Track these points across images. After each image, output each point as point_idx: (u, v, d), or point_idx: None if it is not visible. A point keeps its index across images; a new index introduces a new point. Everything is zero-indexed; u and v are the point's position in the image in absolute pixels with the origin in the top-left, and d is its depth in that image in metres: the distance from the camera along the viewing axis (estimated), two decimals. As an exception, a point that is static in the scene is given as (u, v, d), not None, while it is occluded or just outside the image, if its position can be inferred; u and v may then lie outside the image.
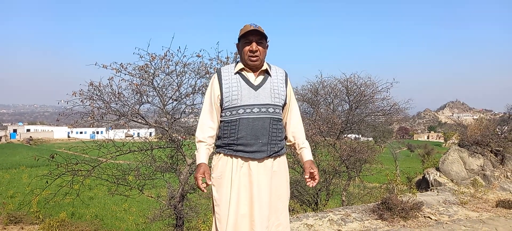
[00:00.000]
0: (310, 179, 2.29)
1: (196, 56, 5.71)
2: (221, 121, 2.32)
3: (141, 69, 5.63)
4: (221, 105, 2.29)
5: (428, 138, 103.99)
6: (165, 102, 5.90)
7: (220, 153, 2.31)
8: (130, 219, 15.87)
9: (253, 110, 2.23)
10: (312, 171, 2.27)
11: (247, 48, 2.23)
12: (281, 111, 2.36)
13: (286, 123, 2.45)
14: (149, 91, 5.86)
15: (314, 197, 9.09)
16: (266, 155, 2.24)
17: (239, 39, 2.29)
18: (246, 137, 2.21)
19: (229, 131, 2.25)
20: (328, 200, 9.69)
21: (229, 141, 2.25)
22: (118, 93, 5.64)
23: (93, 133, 49.59)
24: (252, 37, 2.22)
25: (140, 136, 7.30)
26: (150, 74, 5.73)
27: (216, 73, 2.37)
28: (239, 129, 2.22)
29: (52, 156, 5.44)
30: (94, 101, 5.46)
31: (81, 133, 61.09)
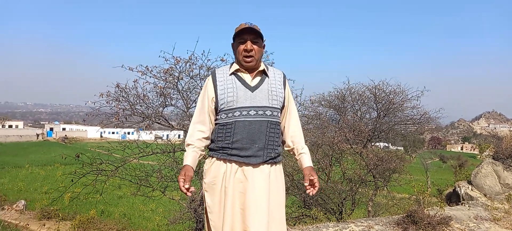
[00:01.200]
0: (310, 187, 2.15)
1: (220, 60, 5.74)
2: (216, 124, 2.19)
3: (166, 72, 5.72)
4: (216, 108, 2.17)
5: (462, 149, 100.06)
6: (189, 106, 5.96)
7: (213, 157, 2.18)
8: (156, 219, 16.16)
9: (250, 112, 2.11)
10: (312, 178, 2.13)
11: (241, 47, 2.12)
12: (279, 114, 2.22)
13: (284, 127, 2.31)
14: (173, 94, 5.95)
15: (339, 206, 8.92)
16: (261, 161, 2.10)
17: (233, 39, 2.17)
18: (241, 140, 2.08)
19: (224, 134, 2.12)
20: (353, 210, 9.48)
21: (224, 144, 2.11)
22: (143, 95, 5.76)
23: (124, 133, 50.91)
24: (247, 35, 2.11)
25: (169, 138, 7.44)
26: (174, 77, 5.82)
27: (210, 75, 2.26)
28: (234, 132, 2.09)
29: (78, 155, 5.61)
30: (120, 103, 5.60)
31: (112, 133, 62.75)
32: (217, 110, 2.18)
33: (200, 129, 2.18)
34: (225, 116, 2.13)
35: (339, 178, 9.70)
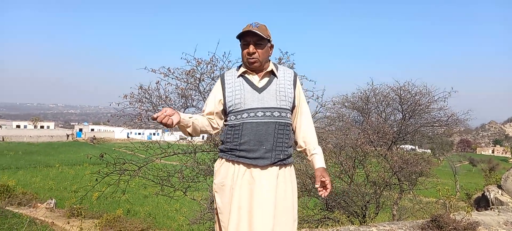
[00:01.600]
0: (321, 188, 2.11)
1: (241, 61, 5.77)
2: (225, 125, 2.21)
3: (188, 74, 5.80)
4: (224, 110, 2.19)
5: (493, 152, 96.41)
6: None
7: (222, 158, 2.19)
8: (180, 219, 16.37)
9: (257, 114, 2.09)
10: (323, 179, 2.09)
11: (245, 50, 2.12)
12: (289, 115, 2.19)
13: (295, 127, 2.27)
14: (194, 96, 6.01)
15: (362, 209, 8.77)
16: (269, 162, 2.08)
17: (239, 40, 2.16)
18: (249, 142, 2.07)
19: (232, 135, 2.12)
20: (377, 213, 9.29)
21: (232, 146, 2.11)
22: (165, 97, 5.85)
23: (150, 134, 51.87)
24: (250, 38, 2.07)
25: (193, 139, 7.53)
26: (196, 78, 5.88)
27: (219, 78, 2.27)
28: (242, 133, 2.08)
29: (101, 155, 5.76)
30: (143, 104, 5.71)
31: (138, 134, 64.08)
32: (226, 113, 2.19)
33: (202, 116, 2.20)
34: (234, 117, 2.14)
35: (363, 180, 9.54)
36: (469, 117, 10.78)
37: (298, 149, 2.30)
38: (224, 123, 2.22)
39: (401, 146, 11.88)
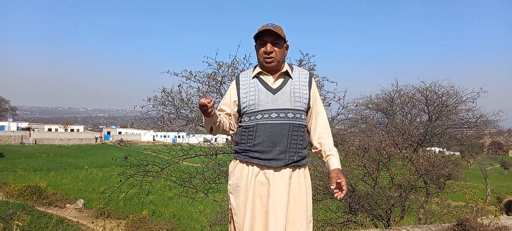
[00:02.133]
0: (337, 190, 2.06)
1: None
2: (239, 126, 2.20)
3: (209, 77, 5.86)
4: (239, 111, 2.19)
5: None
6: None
7: (236, 159, 2.20)
8: (204, 221, 16.51)
9: (271, 115, 2.09)
10: (339, 180, 2.04)
11: (262, 49, 2.12)
12: (304, 116, 2.18)
13: (311, 128, 2.25)
14: (216, 98, 6.06)
15: (387, 212, 8.60)
16: (283, 164, 2.07)
17: (255, 40, 2.16)
18: (263, 143, 2.07)
19: (246, 136, 2.13)
20: (402, 217, 9.09)
21: (246, 147, 2.12)
22: (187, 99, 5.94)
23: (175, 136, 52.64)
24: (267, 37, 2.09)
25: (218, 141, 7.60)
26: (217, 81, 5.94)
27: (234, 79, 2.28)
28: (256, 135, 2.09)
29: (125, 157, 5.91)
30: (165, 107, 5.82)
31: (164, 136, 65.07)
32: (240, 113, 2.20)
33: (221, 112, 2.20)
34: (248, 119, 2.14)
35: (388, 183, 9.35)
36: (500, 118, 10.41)
37: (313, 151, 2.28)
38: (239, 124, 2.23)
39: (428, 148, 11.58)
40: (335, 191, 2.08)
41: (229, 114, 2.22)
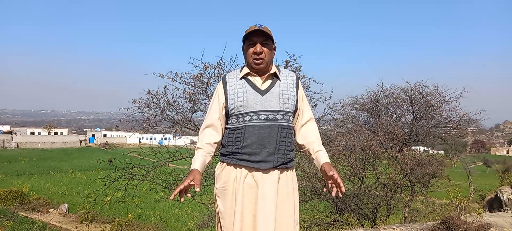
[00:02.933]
0: (332, 184, 1.99)
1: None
2: (226, 128, 2.15)
3: (195, 78, 5.82)
4: (227, 113, 2.14)
5: (508, 152, 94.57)
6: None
7: (223, 162, 2.15)
8: (191, 224, 16.42)
9: (260, 117, 2.05)
10: (331, 173, 1.98)
11: (251, 50, 2.07)
12: (292, 118, 2.16)
13: (297, 129, 2.23)
14: (202, 100, 6.02)
15: (373, 211, 8.67)
16: (272, 166, 2.05)
17: (243, 41, 2.13)
18: (251, 145, 2.03)
19: (234, 138, 2.08)
20: (388, 216, 9.17)
21: (234, 149, 2.07)
22: (173, 101, 5.88)
23: (161, 139, 52.23)
24: (256, 38, 2.06)
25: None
26: (203, 83, 5.90)
27: (221, 80, 2.23)
28: (244, 137, 2.05)
29: (110, 160, 5.82)
30: (151, 109, 5.75)
31: (150, 138, 64.49)
32: (227, 115, 2.15)
33: (210, 133, 2.15)
34: (236, 120, 2.10)
35: (373, 182, 9.44)
36: (482, 117, 10.65)
37: (302, 150, 2.26)
38: (225, 126, 2.18)
39: (412, 148, 11.74)
40: (330, 184, 2.02)
41: (212, 124, 2.16)
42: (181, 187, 1.88)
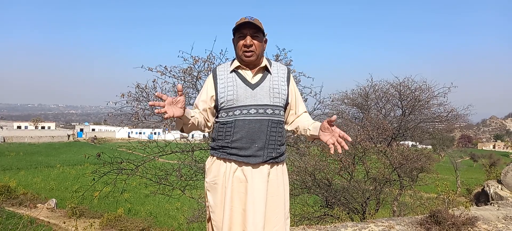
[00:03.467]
0: (334, 142, 1.94)
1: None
2: (216, 122, 2.14)
3: (185, 72, 5.77)
4: (216, 107, 2.11)
5: (494, 147, 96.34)
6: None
7: (213, 156, 2.14)
8: (181, 218, 16.38)
9: (250, 111, 2.03)
10: (330, 119, 1.92)
11: (241, 42, 2.03)
12: (282, 113, 2.13)
13: (289, 119, 2.22)
14: (192, 94, 5.98)
15: (362, 205, 8.76)
16: (261, 161, 2.03)
17: (233, 34, 2.10)
18: (241, 139, 2.02)
19: (224, 132, 2.06)
20: (377, 210, 9.28)
21: (224, 144, 2.06)
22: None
23: (151, 133, 51.90)
24: (246, 30, 2.02)
25: (195, 137, 7.48)
26: (193, 77, 5.86)
27: (211, 73, 2.20)
28: (234, 131, 2.03)
29: (98, 154, 5.76)
30: (140, 103, 5.69)
31: (140, 133, 64.08)
32: (217, 109, 2.13)
33: (197, 110, 2.13)
34: (226, 114, 2.08)
35: (363, 177, 9.53)
36: (469, 112, 10.81)
37: (295, 134, 2.24)
38: (215, 119, 2.16)
39: (401, 142, 11.87)
40: (338, 144, 1.95)
41: (205, 110, 2.14)
42: (154, 103, 1.81)
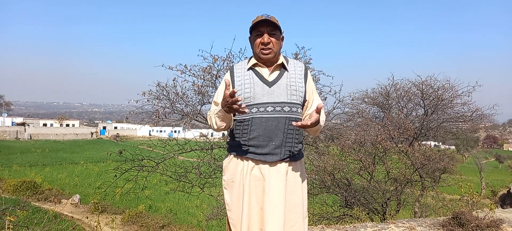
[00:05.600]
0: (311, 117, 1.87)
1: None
2: (233, 120, 2.11)
3: (204, 71, 5.83)
4: None
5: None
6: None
7: (231, 154, 2.15)
8: (200, 215, 16.53)
9: (267, 109, 2.02)
10: (318, 106, 1.85)
11: (258, 40, 2.03)
12: (299, 110, 2.10)
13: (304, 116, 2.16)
14: (211, 92, 6.02)
15: (382, 206, 8.62)
16: (278, 159, 2.02)
17: (250, 32, 2.09)
18: (258, 137, 2.01)
19: (241, 130, 2.06)
20: (398, 211, 9.12)
21: (241, 141, 2.06)
22: (182, 93, 5.91)
23: (171, 131, 52.55)
24: (264, 28, 2.02)
25: (214, 135, 7.54)
26: (212, 75, 5.91)
27: (228, 71, 2.20)
28: (251, 129, 2.02)
29: (120, 151, 5.88)
30: (160, 101, 5.78)
31: (160, 131, 64.94)
32: None
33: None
34: None
35: (383, 177, 9.38)
36: (495, 111, 10.46)
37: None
38: (233, 117, 2.15)
39: (423, 142, 11.62)
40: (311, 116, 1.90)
41: None
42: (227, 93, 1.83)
